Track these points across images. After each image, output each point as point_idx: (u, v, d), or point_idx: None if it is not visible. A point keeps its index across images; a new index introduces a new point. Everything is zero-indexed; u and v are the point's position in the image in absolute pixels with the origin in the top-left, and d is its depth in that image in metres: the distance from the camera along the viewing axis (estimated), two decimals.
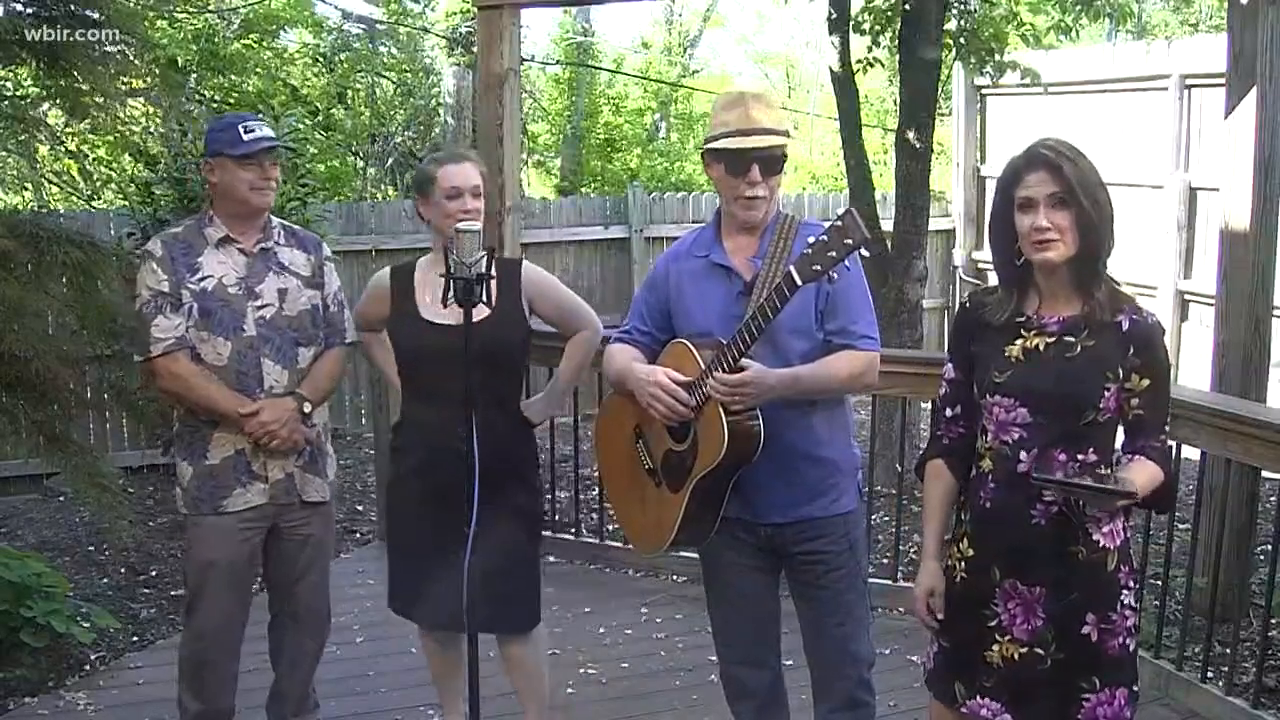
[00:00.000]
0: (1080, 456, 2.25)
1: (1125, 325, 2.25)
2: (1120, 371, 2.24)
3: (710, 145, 2.64)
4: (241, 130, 2.98)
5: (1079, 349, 2.26)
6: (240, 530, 3.04)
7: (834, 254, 2.37)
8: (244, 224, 3.06)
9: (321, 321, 3.16)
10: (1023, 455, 2.28)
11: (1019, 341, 2.31)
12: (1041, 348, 2.29)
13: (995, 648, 2.35)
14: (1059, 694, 2.31)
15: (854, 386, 2.71)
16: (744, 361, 2.49)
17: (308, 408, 3.07)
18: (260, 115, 3.29)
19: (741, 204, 2.64)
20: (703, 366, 2.56)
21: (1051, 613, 2.30)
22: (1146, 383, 2.25)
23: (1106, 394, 2.24)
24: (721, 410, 2.51)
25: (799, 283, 2.40)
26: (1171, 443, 3.27)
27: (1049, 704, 2.32)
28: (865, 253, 2.44)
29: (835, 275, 2.42)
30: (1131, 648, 2.33)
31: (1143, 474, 2.24)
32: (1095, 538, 2.28)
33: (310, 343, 3.12)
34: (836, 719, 2.83)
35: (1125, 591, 2.32)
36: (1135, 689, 2.34)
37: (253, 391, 3.01)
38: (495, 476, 2.96)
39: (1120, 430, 2.32)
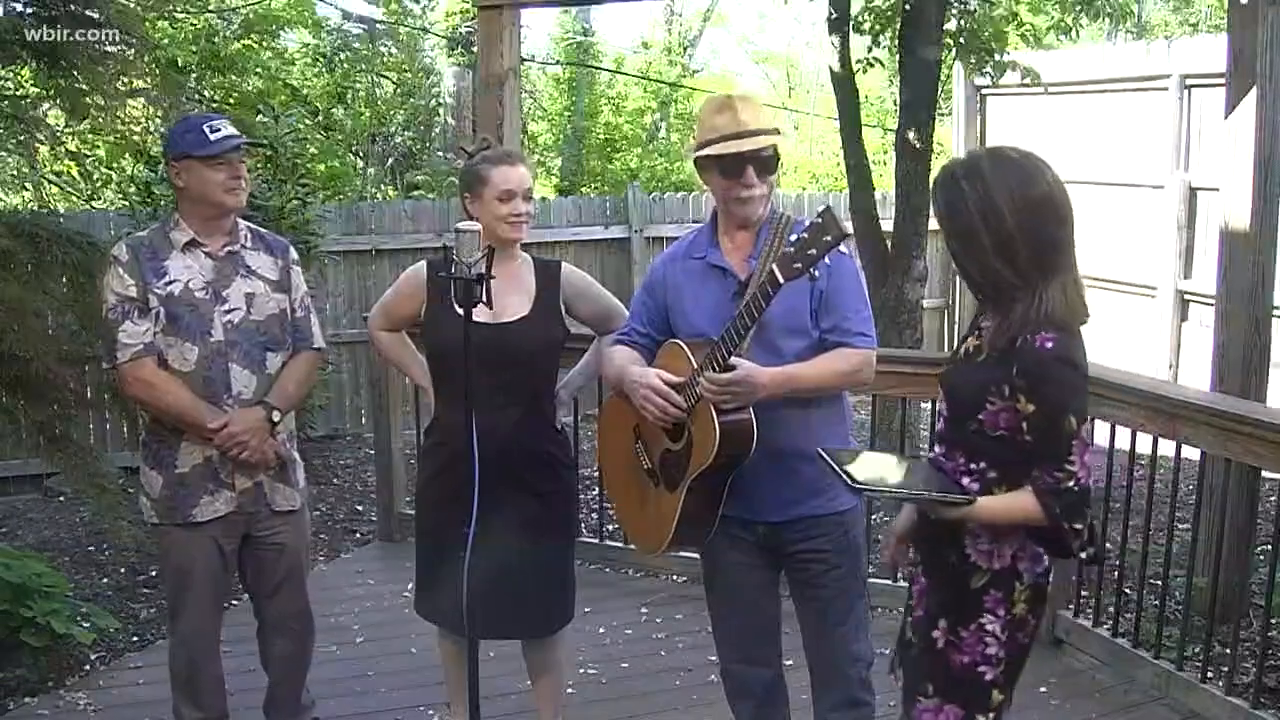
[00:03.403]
0: (973, 465, 2.22)
1: (1017, 344, 2.14)
2: (1006, 390, 2.14)
3: (703, 152, 2.65)
4: (207, 130, 2.90)
5: (982, 358, 2.23)
6: (212, 539, 3.01)
7: (814, 251, 2.40)
8: (212, 226, 2.99)
9: (289, 326, 3.10)
10: (936, 449, 2.32)
11: (967, 340, 2.33)
12: (970, 350, 2.29)
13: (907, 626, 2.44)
14: (912, 687, 2.36)
15: (849, 383, 2.71)
16: (734, 360, 2.51)
17: (276, 416, 3.01)
18: (226, 115, 3.23)
19: (738, 203, 2.66)
20: (695, 366, 2.57)
21: (927, 608, 2.33)
22: (1032, 408, 2.12)
23: (990, 408, 2.17)
24: (713, 410, 2.52)
25: (781, 280, 2.43)
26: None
27: (910, 694, 2.37)
28: (844, 249, 2.47)
29: (816, 272, 2.45)
30: (988, 676, 2.25)
31: (1001, 501, 2.18)
32: (967, 550, 2.24)
33: (278, 348, 3.07)
34: (836, 718, 2.83)
35: (988, 616, 2.24)
36: (979, 718, 2.26)
37: (220, 397, 2.96)
38: (528, 477, 2.99)
39: None
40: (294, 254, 3.19)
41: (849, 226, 6.39)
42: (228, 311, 2.98)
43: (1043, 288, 2.12)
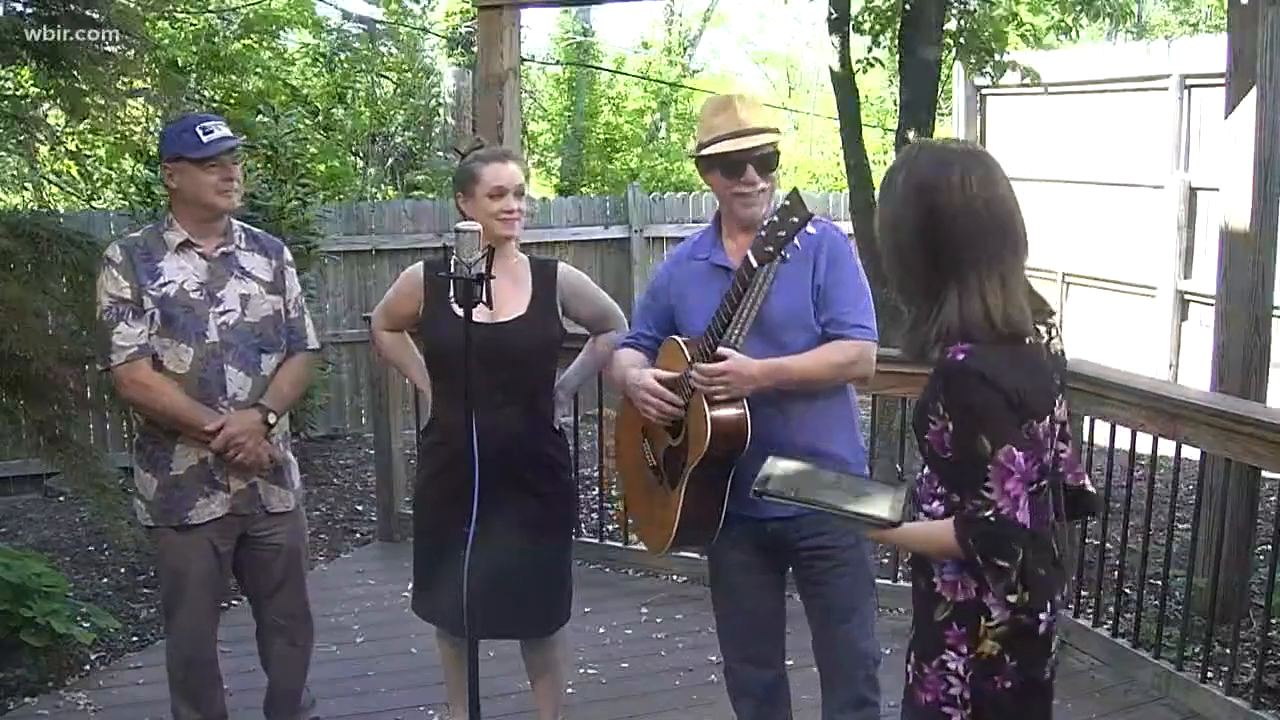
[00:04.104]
0: (939, 489, 2.04)
1: (941, 357, 1.97)
2: (939, 407, 1.96)
3: (704, 152, 2.67)
4: (200, 131, 2.87)
5: (931, 371, 2.05)
6: (207, 541, 3.00)
7: (783, 233, 2.43)
8: (206, 228, 2.97)
9: (284, 328, 3.08)
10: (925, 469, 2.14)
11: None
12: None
13: None
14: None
15: (845, 376, 2.69)
16: (722, 350, 2.53)
17: (272, 419, 3.00)
18: (221, 116, 3.20)
19: (740, 201, 2.67)
20: (689, 360, 2.60)
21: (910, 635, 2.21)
22: (951, 426, 1.94)
23: (932, 427, 1.98)
24: (705, 401, 2.54)
25: (755, 265, 2.45)
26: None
27: None
28: (812, 229, 2.49)
29: (788, 255, 2.46)
30: (953, 718, 2.05)
31: (925, 527, 2.02)
32: (933, 579, 2.06)
33: (273, 349, 3.05)
34: (843, 719, 2.84)
35: (950, 653, 2.03)
36: None
37: (216, 399, 2.94)
38: (527, 477, 2.98)
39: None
40: (288, 255, 3.16)
41: (851, 218, 6.44)
42: (223, 313, 2.96)
43: (944, 294, 1.96)
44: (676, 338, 2.71)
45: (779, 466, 2.18)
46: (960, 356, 1.92)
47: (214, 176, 2.90)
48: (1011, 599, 1.93)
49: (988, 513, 1.89)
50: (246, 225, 3.15)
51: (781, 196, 2.55)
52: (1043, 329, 2.03)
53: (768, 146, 2.65)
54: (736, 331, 2.56)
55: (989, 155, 2.03)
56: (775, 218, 2.45)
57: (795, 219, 2.42)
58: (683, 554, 4.81)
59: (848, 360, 2.63)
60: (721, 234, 2.77)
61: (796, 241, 2.45)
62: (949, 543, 1.94)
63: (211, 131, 2.90)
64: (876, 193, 2.13)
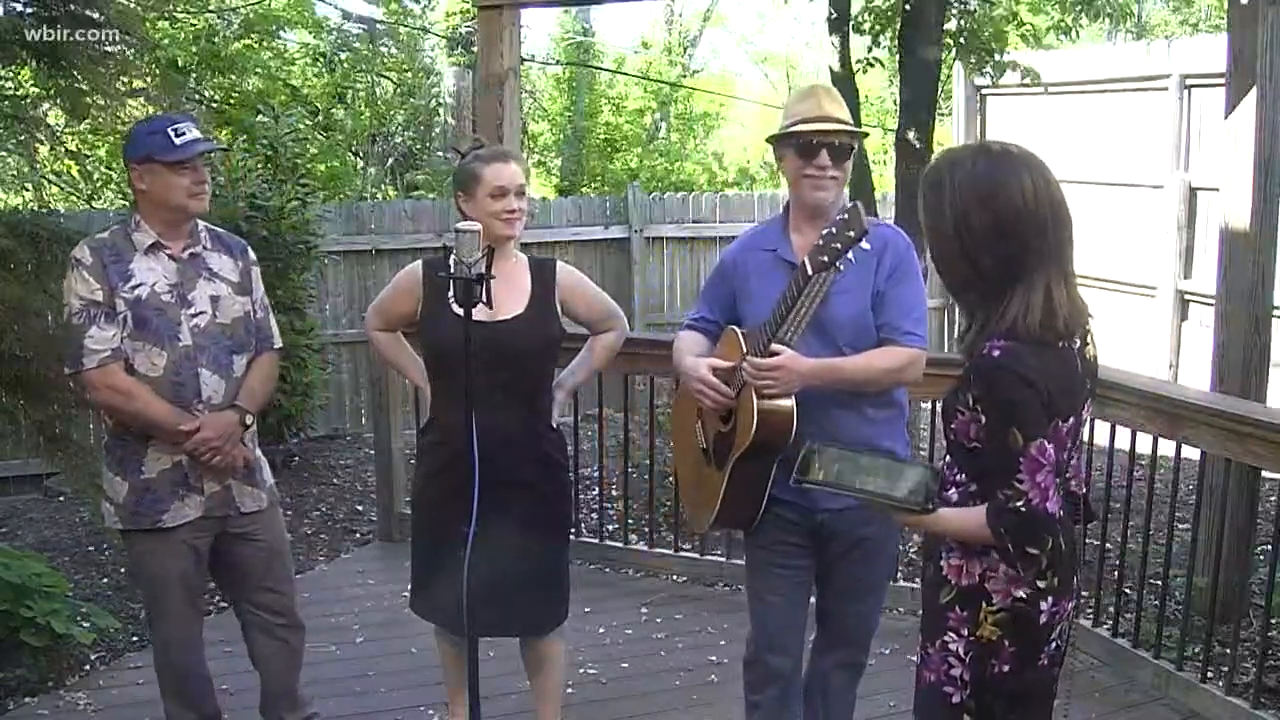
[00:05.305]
0: (959, 477, 2.14)
1: (977, 353, 2.05)
2: (969, 399, 2.05)
3: (783, 131, 2.75)
4: (172, 133, 2.83)
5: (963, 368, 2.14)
6: (184, 544, 2.98)
7: (839, 245, 2.47)
8: (174, 229, 2.95)
9: (253, 328, 3.06)
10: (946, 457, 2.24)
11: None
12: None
13: None
14: None
15: (893, 381, 2.78)
16: (775, 346, 2.59)
17: (248, 420, 2.99)
18: (191, 117, 3.15)
19: (810, 183, 2.74)
20: (744, 353, 2.66)
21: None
22: (983, 420, 2.03)
23: (960, 418, 2.07)
24: (754, 394, 2.60)
25: (810, 272, 2.50)
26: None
27: None
28: (866, 245, 2.53)
29: (842, 266, 2.51)
30: (955, 699, 2.13)
31: (959, 514, 2.10)
32: (940, 563, 2.16)
33: (243, 350, 3.03)
34: (838, 674, 2.98)
35: (951, 635, 2.12)
36: None
37: (190, 402, 2.91)
38: (526, 475, 2.99)
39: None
40: (252, 255, 3.14)
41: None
42: (194, 315, 2.94)
43: (1011, 295, 2.02)
44: (736, 329, 2.78)
45: (818, 453, 2.22)
46: (995, 353, 2.00)
47: (186, 179, 2.87)
48: (1041, 584, 2.05)
49: (1019, 503, 1.99)
50: (210, 225, 3.12)
51: (844, 205, 2.59)
52: (1077, 333, 2.09)
53: (844, 135, 2.73)
54: (791, 330, 2.61)
55: (1038, 155, 2.09)
56: (832, 229, 2.49)
57: (851, 233, 2.46)
58: (682, 554, 4.82)
59: (898, 366, 2.73)
60: (789, 226, 2.83)
61: (851, 255, 2.49)
62: (981, 529, 2.03)
63: (184, 134, 2.86)
64: (920, 196, 2.13)
